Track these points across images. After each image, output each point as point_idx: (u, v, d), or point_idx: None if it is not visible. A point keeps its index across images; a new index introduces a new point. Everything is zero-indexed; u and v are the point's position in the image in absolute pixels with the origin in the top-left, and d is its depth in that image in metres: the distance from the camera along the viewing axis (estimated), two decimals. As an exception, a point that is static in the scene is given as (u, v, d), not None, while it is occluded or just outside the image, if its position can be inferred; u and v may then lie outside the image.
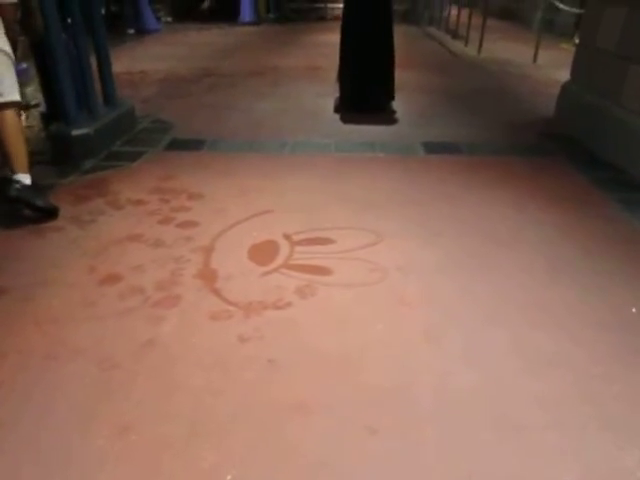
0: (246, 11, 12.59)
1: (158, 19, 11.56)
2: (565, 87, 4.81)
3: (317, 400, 1.75)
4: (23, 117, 4.39)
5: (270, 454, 1.56)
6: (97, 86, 4.05)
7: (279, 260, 2.55)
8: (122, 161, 3.75)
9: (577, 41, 5.22)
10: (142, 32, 10.44)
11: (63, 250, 2.61)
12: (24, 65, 5.95)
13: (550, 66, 7.35)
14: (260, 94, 5.78)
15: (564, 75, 4.98)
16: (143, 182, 3.38)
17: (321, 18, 13.97)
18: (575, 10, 7.92)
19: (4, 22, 2.62)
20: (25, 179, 2.77)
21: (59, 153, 3.62)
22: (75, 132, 3.59)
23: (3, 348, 1.96)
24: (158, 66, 7.22)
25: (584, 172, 3.67)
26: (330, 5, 13.94)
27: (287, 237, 2.76)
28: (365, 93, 4.91)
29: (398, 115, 4.98)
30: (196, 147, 4.10)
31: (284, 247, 2.67)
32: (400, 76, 5.11)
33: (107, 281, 2.37)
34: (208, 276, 2.42)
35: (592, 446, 1.59)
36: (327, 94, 5.57)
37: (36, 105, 4.59)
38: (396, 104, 5.12)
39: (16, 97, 2.74)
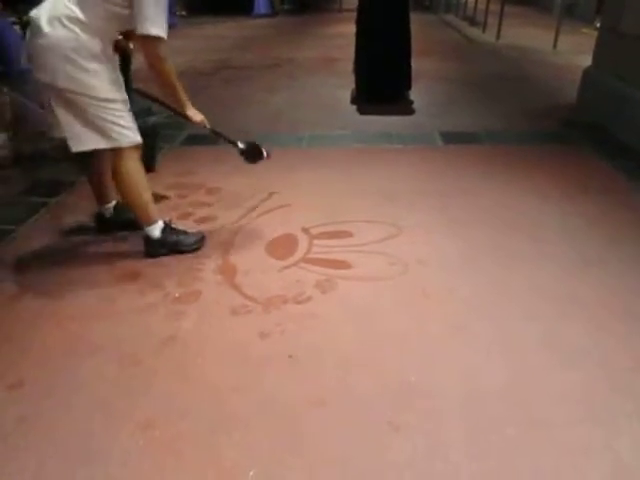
0: (261, 3, 12.55)
1: (173, 13, 11.57)
2: (587, 73, 4.70)
3: (338, 396, 1.73)
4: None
5: (291, 450, 1.55)
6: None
7: (298, 254, 2.53)
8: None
9: (598, 25, 5.09)
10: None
11: (82, 247, 2.62)
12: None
13: (571, 51, 7.19)
14: (276, 87, 5.74)
15: (585, 60, 4.86)
16: (161, 178, 3.38)
17: (337, 9, 13.86)
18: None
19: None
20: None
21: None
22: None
23: (25, 345, 1.98)
24: (174, 60, 7.12)
25: (608, 160, 3.58)
26: (345, -5, 13.84)
27: (306, 231, 2.74)
28: (381, 84, 4.85)
29: (415, 105, 4.92)
30: (213, 141, 4.06)
31: (303, 241, 2.65)
32: (417, 65, 5.03)
33: (127, 277, 2.37)
34: (227, 271, 2.41)
35: (624, 441, 1.55)
36: (343, 86, 5.52)
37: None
38: (413, 94, 5.06)
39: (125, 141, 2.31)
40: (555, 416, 1.64)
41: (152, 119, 2.92)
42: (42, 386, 1.79)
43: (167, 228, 2.52)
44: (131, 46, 2.51)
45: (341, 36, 8.82)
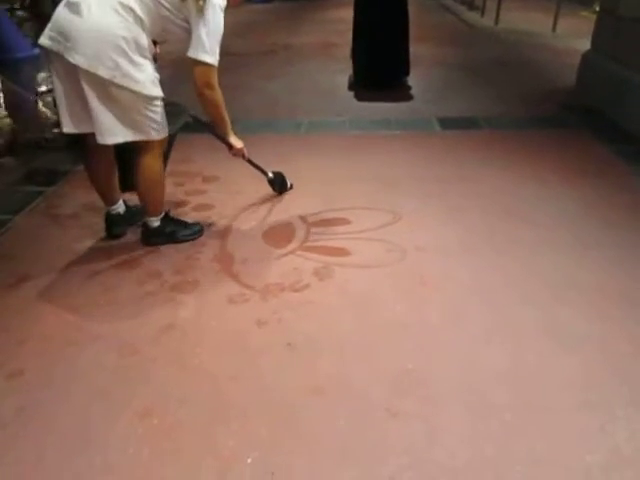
0: (257, -12, 12.39)
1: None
2: (586, 56, 4.66)
3: (336, 383, 1.73)
4: (40, 104, 4.39)
5: (290, 437, 1.55)
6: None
7: (295, 242, 2.53)
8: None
9: (598, 9, 5.03)
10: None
11: (80, 236, 2.61)
12: (37, 50, 5.95)
13: (570, 35, 7.13)
14: (273, 73, 5.70)
15: (585, 44, 4.82)
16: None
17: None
18: (596, -24, 7.63)
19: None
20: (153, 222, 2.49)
21: (73, 139, 3.61)
22: None
23: (23, 335, 1.98)
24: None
25: (607, 144, 3.56)
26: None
27: (303, 218, 2.73)
28: (379, 69, 4.81)
29: (413, 91, 4.88)
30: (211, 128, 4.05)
31: (300, 229, 2.64)
32: (415, 50, 4.99)
33: (125, 266, 2.37)
34: (225, 259, 2.40)
35: (619, 424, 1.56)
36: (341, 71, 5.47)
37: (50, 91, 4.59)
38: (411, 79, 5.02)
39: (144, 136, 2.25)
40: (553, 401, 1.65)
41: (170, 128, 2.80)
42: (41, 375, 1.79)
43: (166, 218, 2.51)
44: (157, 50, 2.44)
45: (339, 21, 8.72)
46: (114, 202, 2.55)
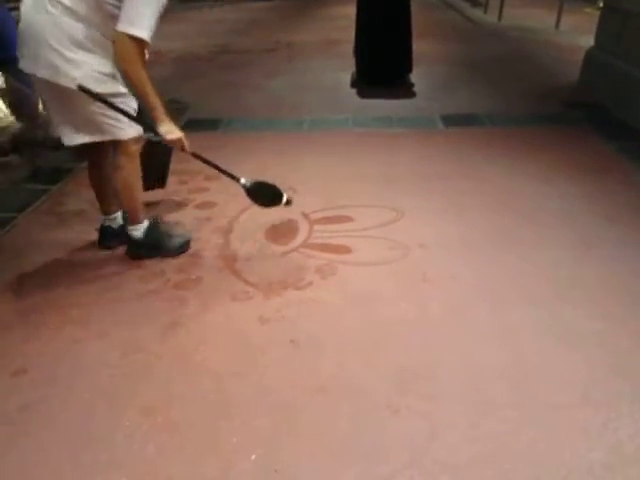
0: (259, -15, 12.36)
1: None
2: (589, 53, 4.64)
3: (339, 380, 1.74)
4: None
5: (293, 435, 1.56)
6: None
7: (298, 240, 2.53)
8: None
9: (601, 5, 5.01)
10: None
11: (84, 234, 2.62)
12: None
13: (573, 31, 7.10)
14: (276, 71, 5.69)
15: (588, 41, 4.80)
16: (161, 164, 3.37)
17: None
18: (600, -29, 7.60)
19: None
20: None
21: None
22: None
23: (27, 332, 1.99)
24: (172, 45, 7.15)
25: (610, 141, 3.55)
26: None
27: (306, 216, 2.73)
28: (382, 66, 4.81)
29: (416, 88, 4.87)
30: (212, 127, 4.07)
31: (303, 226, 2.65)
32: (417, 47, 4.98)
33: (128, 264, 2.37)
34: (228, 257, 2.41)
35: (622, 422, 1.56)
36: (344, 69, 5.47)
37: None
38: (414, 76, 5.01)
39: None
40: (555, 399, 1.65)
41: None
42: (45, 373, 1.80)
43: (151, 228, 2.39)
44: (146, 55, 2.17)
45: (341, 18, 8.71)
46: (107, 213, 2.48)
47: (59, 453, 1.52)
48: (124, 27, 1.88)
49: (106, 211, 2.48)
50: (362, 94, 4.76)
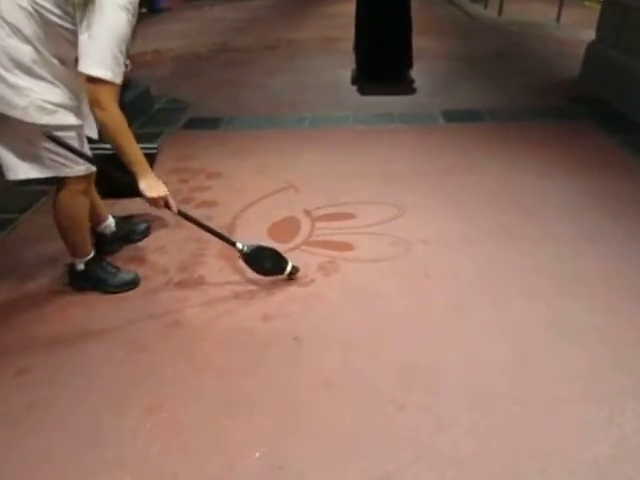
0: (258, -17, 12.33)
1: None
2: (591, 47, 4.62)
3: (343, 376, 1.74)
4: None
5: (297, 431, 1.56)
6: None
7: (300, 237, 2.53)
8: (140, 143, 3.73)
9: (603, -2, 4.99)
10: (153, 10, 10.31)
11: (86, 234, 2.62)
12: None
13: (574, 25, 7.07)
14: (276, 69, 5.69)
15: (589, 35, 4.79)
16: (161, 163, 3.35)
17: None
18: (600, -35, 7.57)
19: None
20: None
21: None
22: None
23: (31, 332, 2.00)
24: (172, 44, 7.15)
25: (612, 135, 3.54)
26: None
27: (307, 213, 2.73)
28: (382, 63, 4.79)
29: (416, 84, 4.86)
30: (213, 125, 4.07)
31: (305, 224, 2.64)
32: (418, 43, 4.97)
33: (131, 263, 2.38)
34: (230, 255, 2.41)
35: (626, 416, 1.56)
36: (344, 66, 5.46)
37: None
38: (414, 72, 5.00)
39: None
40: (558, 393, 1.65)
41: (149, 146, 2.58)
42: (49, 372, 1.81)
43: (95, 262, 2.19)
44: (128, 68, 2.00)
45: (341, 15, 8.69)
46: (100, 222, 2.41)
47: (63, 452, 1.53)
48: (84, 67, 1.67)
49: (96, 221, 2.38)
50: (362, 91, 4.75)
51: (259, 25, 8.64)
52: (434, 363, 1.78)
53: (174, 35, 7.94)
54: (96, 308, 2.11)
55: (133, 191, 1.92)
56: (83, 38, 1.66)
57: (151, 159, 2.26)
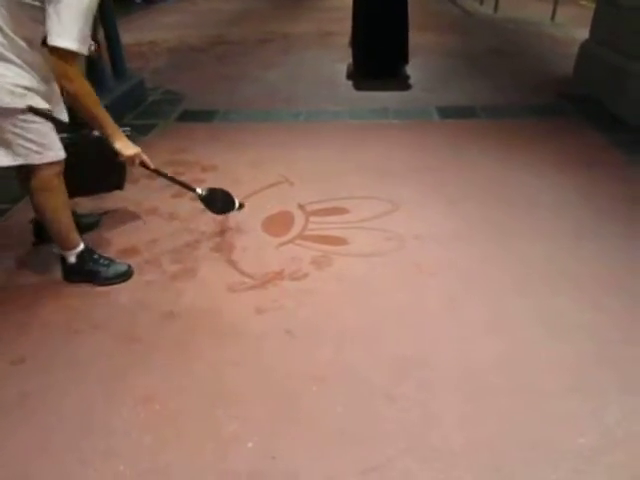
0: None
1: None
2: (584, 46, 4.65)
3: (335, 369, 1.76)
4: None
5: (290, 422, 1.58)
6: (106, 58, 4.01)
7: (294, 231, 2.55)
8: (134, 134, 3.73)
9: (597, -3, 5.02)
10: (149, 1, 10.25)
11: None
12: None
13: (569, 24, 7.11)
14: (271, 62, 5.68)
15: (583, 33, 4.81)
16: (156, 155, 3.33)
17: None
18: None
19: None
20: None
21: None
22: None
23: (25, 321, 2.00)
24: (167, 36, 7.11)
25: (604, 133, 3.58)
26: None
27: (302, 207, 2.75)
28: (378, 58, 4.80)
29: (412, 80, 4.87)
30: (208, 118, 4.07)
31: (299, 218, 2.66)
32: (413, 39, 4.97)
33: (125, 255, 2.38)
34: (224, 248, 2.42)
35: (610, 409, 1.59)
36: (340, 60, 5.46)
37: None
38: (410, 68, 5.01)
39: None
40: (546, 387, 1.68)
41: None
42: (43, 362, 1.82)
43: (86, 255, 2.19)
44: (92, 47, 2.00)
45: (337, 9, 8.68)
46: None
47: (57, 441, 1.54)
48: (51, 40, 1.72)
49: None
50: (358, 86, 4.76)
51: (254, 18, 8.61)
52: (425, 356, 1.81)
53: (170, 26, 7.91)
54: (90, 298, 2.12)
55: (100, 187, 2.17)
56: (50, 12, 1.70)
57: None
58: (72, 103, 1.92)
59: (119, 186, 2.57)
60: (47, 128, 1.91)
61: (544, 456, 1.46)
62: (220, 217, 2.63)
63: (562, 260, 2.30)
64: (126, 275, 2.23)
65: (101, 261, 2.23)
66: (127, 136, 2.08)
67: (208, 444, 1.52)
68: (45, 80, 1.90)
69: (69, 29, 1.72)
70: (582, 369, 1.75)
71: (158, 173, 2.28)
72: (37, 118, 1.86)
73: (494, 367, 1.76)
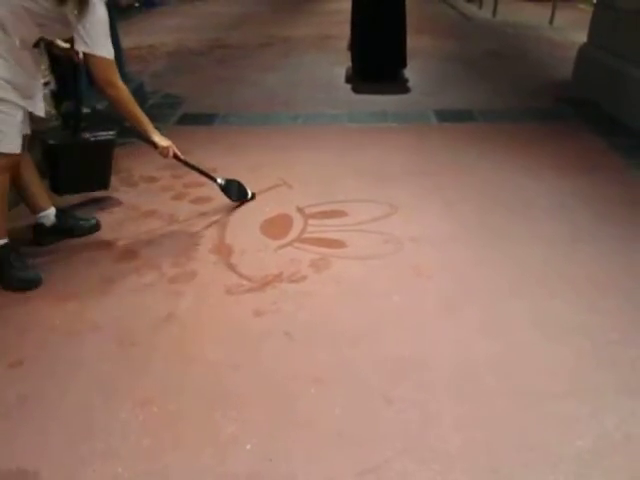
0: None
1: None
2: (582, 49, 4.67)
3: (334, 371, 1.76)
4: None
5: (288, 425, 1.59)
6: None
7: (293, 234, 2.55)
8: (133, 138, 3.72)
9: (595, 1, 5.04)
10: (148, 5, 10.28)
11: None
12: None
13: (567, 27, 7.14)
14: (271, 65, 5.70)
15: (582, 37, 4.83)
16: (155, 158, 3.35)
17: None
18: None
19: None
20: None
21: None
22: (86, 110, 3.57)
23: (23, 324, 2.01)
24: (166, 39, 7.14)
25: (602, 137, 3.59)
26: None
27: (300, 210, 2.75)
28: (377, 62, 4.83)
29: (410, 83, 4.89)
30: (207, 121, 4.08)
31: (297, 221, 2.67)
32: (412, 43, 5.00)
33: (124, 258, 2.39)
34: (223, 251, 2.43)
35: (608, 411, 1.60)
36: (339, 64, 5.48)
37: (47, 83, 4.57)
38: (408, 72, 5.03)
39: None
40: (543, 389, 1.68)
41: (105, 134, 2.67)
42: (42, 365, 1.82)
43: (2, 251, 2.19)
44: (80, 55, 2.17)
45: (336, 13, 8.71)
46: (37, 211, 2.42)
47: (56, 444, 1.54)
48: (98, 50, 1.99)
49: (33, 210, 2.42)
50: (357, 89, 4.77)
51: (254, 21, 8.64)
52: (423, 358, 1.81)
53: (169, 30, 7.93)
54: (89, 301, 2.12)
55: (86, 186, 2.60)
56: (80, 29, 1.95)
57: (110, 145, 2.67)
58: (116, 109, 2.20)
59: (105, 186, 2.78)
60: (13, 120, 1.99)
61: (542, 458, 1.47)
62: (221, 218, 2.65)
63: (559, 263, 2.31)
64: (32, 284, 2.18)
65: (15, 263, 2.20)
66: (112, 140, 2.55)
67: (206, 446, 1.53)
68: (30, 76, 2.05)
69: (103, 42, 2.01)
70: (579, 371, 1.75)
71: (186, 163, 2.60)
72: (4, 108, 1.96)
73: (491, 369, 1.76)
